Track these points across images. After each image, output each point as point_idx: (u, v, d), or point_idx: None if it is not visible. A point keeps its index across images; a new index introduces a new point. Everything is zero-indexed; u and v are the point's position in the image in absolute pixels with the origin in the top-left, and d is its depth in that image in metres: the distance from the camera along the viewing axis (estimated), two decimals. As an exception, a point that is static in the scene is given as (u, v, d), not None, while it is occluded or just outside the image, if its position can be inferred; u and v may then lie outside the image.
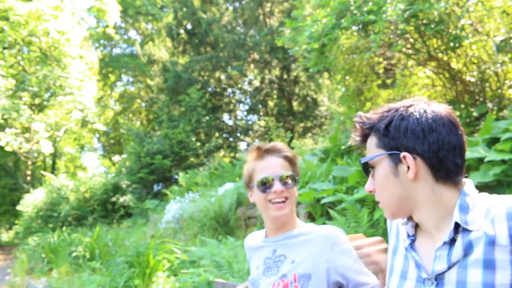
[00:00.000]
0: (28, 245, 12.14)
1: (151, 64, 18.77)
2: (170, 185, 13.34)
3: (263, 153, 1.70)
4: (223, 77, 17.68)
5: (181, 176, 11.83)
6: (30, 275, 9.49)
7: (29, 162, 23.65)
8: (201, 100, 15.59)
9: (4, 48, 17.48)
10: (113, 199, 14.86)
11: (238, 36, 16.40)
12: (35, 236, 12.63)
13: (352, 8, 5.44)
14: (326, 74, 13.23)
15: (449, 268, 1.11)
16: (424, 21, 5.39)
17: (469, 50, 5.71)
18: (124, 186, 14.86)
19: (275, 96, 17.76)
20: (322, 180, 5.35)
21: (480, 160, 3.77)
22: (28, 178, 23.95)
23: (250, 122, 18.66)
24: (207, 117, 15.70)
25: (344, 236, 1.63)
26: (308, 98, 17.11)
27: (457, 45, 5.43)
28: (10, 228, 25.39)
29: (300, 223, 1.73)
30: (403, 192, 1.19)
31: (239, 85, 18.26)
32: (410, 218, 1.26)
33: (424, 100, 1.23)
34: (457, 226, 1.12)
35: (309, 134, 16.56)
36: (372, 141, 1.26)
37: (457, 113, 5.28)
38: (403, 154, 1.17)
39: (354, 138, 1.35)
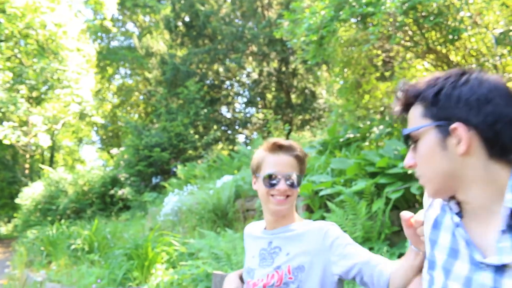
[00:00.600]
0: (27, 238, 12.15)
1: (149, 56, 18.69)
2: (169, 177, 13.35)
3: (277, 147, 1.71)
4: (221, 69, 17.63)
5: (179, 169, 11.84)
6: (29, 267, 9.51)
7: (27, 156, 23.61)
8: (199, 92, 15.56)
9: (1, 41, 17.38)
10: (112, 192, 14.86)
11: (236, 28, 16.34)
12: (33, 229, 12.63)
13: (350, 0, 5.42)
14: (324, 67, 13.20)
15: None
16: (423, 13, 5.37)
17: (468, 43, 5.70)
18: (122, 179, 14.87)
19: (273, 89, 17.73)
20: (320, 173, 5.36)
21: None
22: (27, 171, 23.91)
23: (248, 115, 18.64)
24: (205, 110, 15.67)
25: (335, 227, 1.65)
26: (307, 91, 17.08)
27: (456, 37, 5.42)
28: (9, 221, 25.41)
29: (299, 219, 1.76)
30: (450, 168, 1.07)
31: (237, 78, 18.22)
32: (451, 197, 1.15)
33: (477, 69, 1.12)
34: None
35: (308, 127, 16.56)
36: (416, 110, 1.14)
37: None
38: (454, 125, 1.04)
39: (394, 108, 1.22)
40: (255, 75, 17.49)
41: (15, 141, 17.77)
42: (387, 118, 6.58)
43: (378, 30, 5.19)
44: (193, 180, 10.00)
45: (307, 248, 1.62)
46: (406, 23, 5.55)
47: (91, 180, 15.73)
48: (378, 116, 7.09)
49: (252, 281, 1.68)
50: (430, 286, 1.18)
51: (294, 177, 1.68)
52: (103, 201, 15.14)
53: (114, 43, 28.97)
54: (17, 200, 17.40)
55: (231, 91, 18.46)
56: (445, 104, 1.07)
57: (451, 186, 1.10)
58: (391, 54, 7.08)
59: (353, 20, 5.87)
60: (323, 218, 4.41)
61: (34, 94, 19.99)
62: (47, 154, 27.47)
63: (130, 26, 29.25)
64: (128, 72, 28.87)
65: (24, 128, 18.88)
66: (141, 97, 27.15)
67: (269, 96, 17.96)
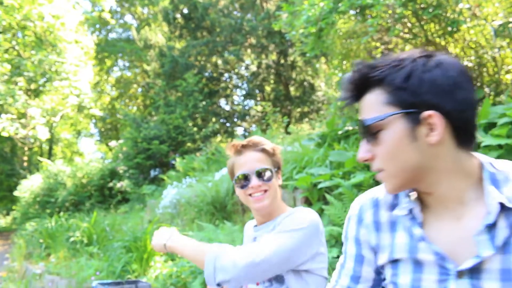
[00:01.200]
0: (25, 230, 12.17)
1: (147, 49, 18.62)
2: (167, 170, 13.35)
3: (241, 148, 1.72)
4: (219, 62, 17.57)
5: (178, 162, 11.84)
6: (28, 260, 9.53)
7: (26, 148, 23.60)
8: (198, 85, 15.52)
9: (-1, 33, 17.32)
10: (110, 184, 14.86)
11: (234, 20, 16.26)
12: (32, 222, 12.65)
13: (349, -8, 5.40)
14: (323, 59, 13.16)
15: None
16: (422, 5, 5.35)
17: (466, 35, 5.68)
18: (121, 171, 14.86)
19: (272, 81, 17.69)
20: (319, 165, 5.35)
21: (477, 145, 3.78)
22: (25, 164, 23.92)
23: (247, 107, 18.61)
24: (203, 102, 15.64)
25: (304, 214, 1.63)
26: (305, 83, 17.05)
27: (455, 29, 5.41)
28: (8, 214, 25.41)
29: (288, 210, 1.77)
30: (419, 160, 0.97)
31: (236, 70, 18.17)
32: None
33: (439, 52, 1.01)
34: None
35: (306, 119, 16.55)
36: (376, 96, 1.00)
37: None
38: (428, 112, 0.94)
39: (345, 92, 1.08)
40: (253, 68, 17.44)
41: (14, 134, 17.74)
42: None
43: (377, 22, 5.17)
44: (192, 173, 9.99)
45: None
46: (405, 15, 5.53)
47: (90, 172, 15.73)
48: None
49: None
50: None
51: (265, 170, 1.69)
52: (101, 193, 15.14)
53: (113, 35, 28.87)
54: (15, 193, 17.40)
55: (229, 84, 18.41)
56: (417, 89, 0.94)
57: (416, 180, 1.00)
58: (390, 46, 7.06)
59: (352, 12, 5.85)
60: (321, 210, 4.42)
61: (32, 86, 19.94)
62: (45, 147, 27.43)
63: (128, 18, 29.17)
64: (127, 64, 28.78)
65: (23, 121, 18.84)
66: (140, 89, 27.09)
67: (267, 88, 17.93)
